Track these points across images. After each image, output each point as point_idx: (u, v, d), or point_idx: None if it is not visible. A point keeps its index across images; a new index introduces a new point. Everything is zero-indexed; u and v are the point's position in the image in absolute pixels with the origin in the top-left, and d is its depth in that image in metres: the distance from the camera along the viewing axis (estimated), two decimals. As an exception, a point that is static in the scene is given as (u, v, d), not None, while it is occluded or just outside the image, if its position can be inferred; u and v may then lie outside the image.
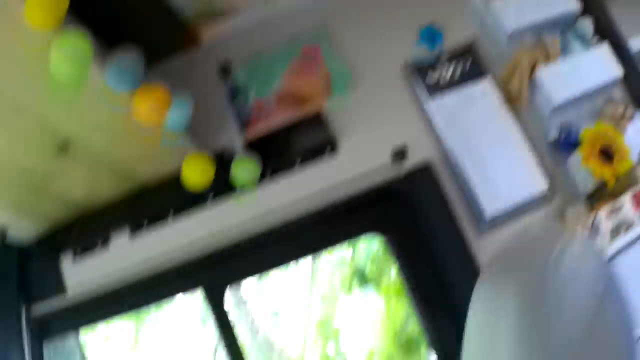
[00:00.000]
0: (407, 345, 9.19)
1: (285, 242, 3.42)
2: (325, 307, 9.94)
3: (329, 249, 6.70)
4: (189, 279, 3.51)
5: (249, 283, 9.88)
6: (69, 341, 3.88)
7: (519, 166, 3.26)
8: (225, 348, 3.45)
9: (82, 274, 3.59)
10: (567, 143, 3.24)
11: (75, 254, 3.61)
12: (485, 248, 3.14)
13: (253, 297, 10.12)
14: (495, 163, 3.25)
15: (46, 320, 3.63)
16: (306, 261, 9.91)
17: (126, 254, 3.51)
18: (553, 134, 3.29)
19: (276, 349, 10.20)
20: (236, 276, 3.62)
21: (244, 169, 3.28)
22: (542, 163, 3.26)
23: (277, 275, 10.11)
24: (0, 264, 3.58)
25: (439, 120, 3.33)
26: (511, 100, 3.35)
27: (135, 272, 3.48)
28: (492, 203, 3.19)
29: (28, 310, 3.60)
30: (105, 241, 3.58)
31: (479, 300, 1.15)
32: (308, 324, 10.13)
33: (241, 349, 3.43)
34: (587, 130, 3.19)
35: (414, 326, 9.00)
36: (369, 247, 9.25)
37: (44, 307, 3.62)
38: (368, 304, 9.80)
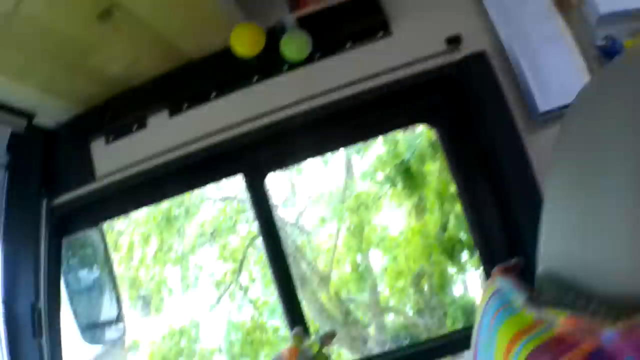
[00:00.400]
0: (448, 246, 9.27)
1: (330, 128, 3.33)
2: (360, 206, 9.98)
3: (375, 137, 6.65)
4: (229, 164, 3.43)
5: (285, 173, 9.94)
6: (92, 236, 3.82)
7: (569, 66, 3.15)
8: (263, 236, 3.40)
9: (114, 160, 3.46)
10: (612, 51, 3.18)
11: (107, 137, 3.49)
12: (535, 143, 3.05)
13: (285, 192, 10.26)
14: (547, 60, 3.15)
15: (68, 214, 3.55)
16: (345, 154, 9.98)
17: (163, 137, 3.39)
18: (599, 42, 3.22)
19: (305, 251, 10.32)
20: (277, 162, 3.53)
21: (293, 45, 3.13)
22: (589, 67, 3.16)
23: (314, 168, 10.19)
24: (23, 150, 3.44)
25: (494, 13, 3.23)
26: (562, 4, 3.26)
27: (172, 157, 3.36)
28: (544, 98, 3.11)
29: (49, 203, 3.51)
30: (141, 123, 3.45)
31: (575, 125, 0.84)
32: (341, 225, 10.21)
33: (280, 236, 3.39)
34: (629, 42, 3.16)
35: (457, 226, 9.16)
36: (414, 141, 9.23)
37: (67, 199, 3.53)
38: (405, 204, 9.89)
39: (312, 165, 10.30)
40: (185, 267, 10.28)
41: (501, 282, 0.88)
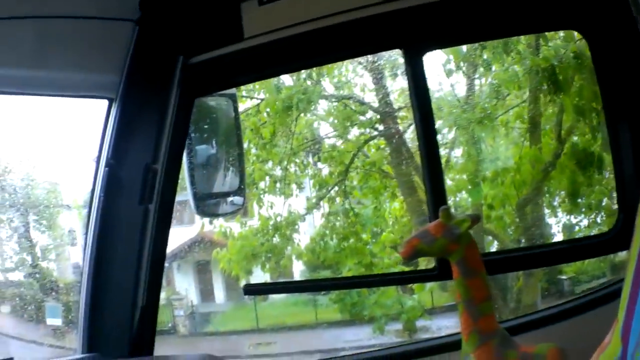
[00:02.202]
0: (582, 159, 9.15)
1: (490, 15, 3.19)
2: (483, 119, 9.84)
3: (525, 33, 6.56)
4: (388, 37, 3.29)
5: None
6: (223, 102, 3.70)
7: None
8: (417, 113, 3.35)
9: (266, 22, 3.30)
10: None
11: (261, -1, 3.30)
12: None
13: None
14: None
15: (205, 74, 3.44)
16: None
17: (322, 3, 3.20)
18: None
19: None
20: (439, 41, 3.44)
21: None
22: None
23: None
24: (158, 6, 3.30)
25: None
26: None
27: (325, 22, 3.21)
28: None
29: (186, 61, 3.37)
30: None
31: None
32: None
33: (433, 114, 3.37)
34: None
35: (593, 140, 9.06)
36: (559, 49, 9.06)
37: (206, 58, 3.40)
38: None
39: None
40: (291, 163, 10.32)
41: None
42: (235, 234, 10.53)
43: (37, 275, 9.79)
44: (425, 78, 3.33)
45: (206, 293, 12.30)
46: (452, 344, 3.28)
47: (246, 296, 10.53)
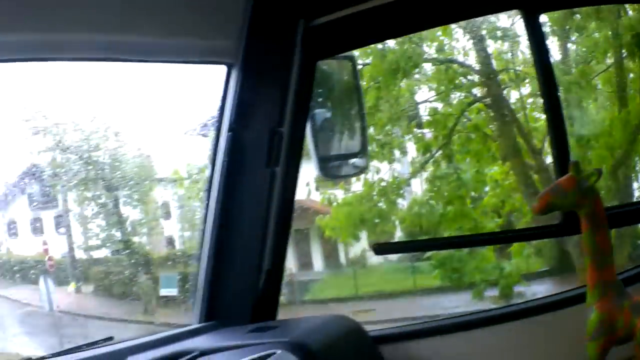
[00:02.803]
0: None
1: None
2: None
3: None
4: None
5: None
6: (343, 65, 3.72)
7: None
8: (539, 72, 3.38)
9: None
10: None
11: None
12: None
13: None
14: None
15: (326, 36, 3.47)
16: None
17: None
18: None
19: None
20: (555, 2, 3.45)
21: None
22: None
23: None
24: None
25: None
26: None
27: None
28: None
29: (307, 23, 3.41)
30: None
31: None
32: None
33: (553, 72, 3.38)
34: None
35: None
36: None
37: (328, 20, 3.43)
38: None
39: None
40: (395, 127, 10.31)
41: None
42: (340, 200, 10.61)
43: (131, 251, 9.92)
44: (544, 36, 3.40)
45: (305, 261, 12.41)
46: (569, 300, 3.34)
47: (377, 256, 10.59)
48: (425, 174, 10.84)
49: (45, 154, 9.22)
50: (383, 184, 10.50)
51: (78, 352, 3.02)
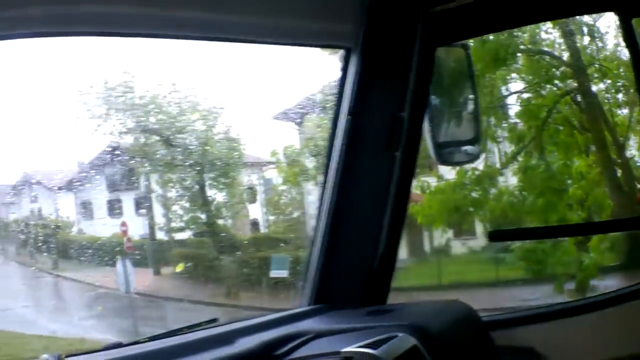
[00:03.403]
0: None
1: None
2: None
3: None
4: None
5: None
6: (458, 52, 3.75)
7: None
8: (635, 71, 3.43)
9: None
10: None
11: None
12: None
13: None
14: None
15: (446, 23, 3.52)
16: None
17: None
18: None
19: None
20: None
21: None
22: None
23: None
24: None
25: None
26: None
27: None
28: None
29: (427, 10, 3.46)
30: None
31: None
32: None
33: None
34: None
35: None
36: None
37: (449, 7, 3.47)
38: None
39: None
40: (490, 116, 10.31)
41: None
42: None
43: (215, 233, 9.99)
44: (635, 38, 3.41)
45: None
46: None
47: (491, 242, 10.59)
48: (511, 166, 10.79)
49: (128, 135, 9.36)
50: (477, 172, 10.48)
51: (180, 334, 3.08)
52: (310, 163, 9.30)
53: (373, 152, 3.49)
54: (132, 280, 8.65)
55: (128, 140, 9.50)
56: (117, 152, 9.58)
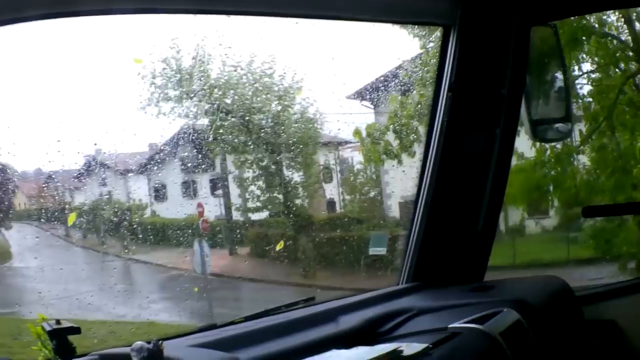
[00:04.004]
0: None
1: None
2: None
3: None
4: None
5: None
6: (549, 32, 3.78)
7: None
8: None
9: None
10: None
11: None
12: None
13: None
14: None
15: (539, 3, 3.58)
16: None
17: None
18: None
19: None
20: None
21: None
22: None
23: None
24: None
25: None
26: None
27: None
28: None
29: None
30: None
31: None
32: None
33: None
34: None
35: None
36: None
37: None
38: None
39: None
40: None
41: None
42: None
43: (292, 213, 10.04)
44: None
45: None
46: None
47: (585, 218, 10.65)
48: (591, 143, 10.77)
49: (203, 116, 9.44)
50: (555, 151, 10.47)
51: (275, 313, 3.14)
52: (394, 141, 9.30)
53: (474, 129, 3.55)
54: (209, 261, 8.73)
55: (203, 121, 9.54)
56: (192, 133, 9.64)
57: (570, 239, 11.60)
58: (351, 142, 10.67)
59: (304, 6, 3.20)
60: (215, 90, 9.07)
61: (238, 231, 10.46)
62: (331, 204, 11.21)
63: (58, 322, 2.39)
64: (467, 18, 3.50)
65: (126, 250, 9.39)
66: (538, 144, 9.67)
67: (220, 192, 10.31)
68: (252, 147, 9.64)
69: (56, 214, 9.02)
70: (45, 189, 8.76)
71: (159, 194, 10.44)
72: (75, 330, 2.39)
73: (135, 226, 9.57)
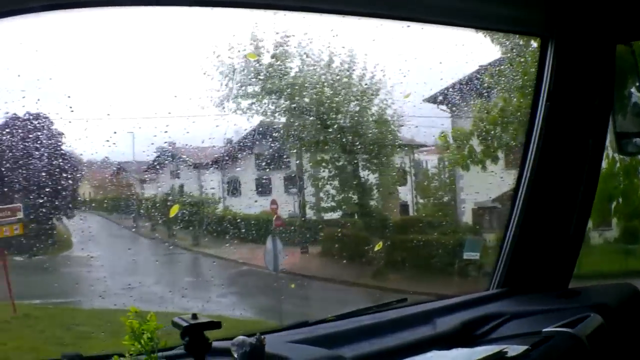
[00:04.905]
0: None
1: None
2: None
3: None
4: None
5: None
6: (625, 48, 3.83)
7: None
8: None
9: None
10: None
11: None
12: None
13: None
14: None
15: (623, 20, 3.59)
16: None
17: None
18: None
19: None
20: None
21: None
22: None
23: None
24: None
25: None
26: None
27: None
28: None
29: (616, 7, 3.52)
30: None
31: None
32: None
33: None
34: None
35: None
36: None
37: (626, 4, 3.55)
38: None
39: None
40: None
41: None
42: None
43: (366, 214, 10.08)
44: None
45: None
46: None
47: None
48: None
49: (281, 115, 9.54)
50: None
51: (367, 314, 3.23)
52: (477, 147, 9.34)
53: (570, 138, 3.61)
54: (281, 258, 8.86)
55: (281, 119, 9.64)
56: (268, 131, 9.74)
57: (629, 251, 11.63)
58: (426, 146, 10.71)
59: (397, 8, 3.28)
60: (295, 88, 9.15)
61: (312, 230, 10.54)
62: (404, 206, 11.25)
63: (195, 316, 2.22)
64: (565, 30, 3.56)
65: (195, 244, 9.61)
66: (611, 155, 9.69)
67: (294, 190, 10.38)
68: (329, 146, 9.71)
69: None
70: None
71: (233, 189, 10.58)
72: (215, 325, 2.23)
73: (210, 221, 9.74)
